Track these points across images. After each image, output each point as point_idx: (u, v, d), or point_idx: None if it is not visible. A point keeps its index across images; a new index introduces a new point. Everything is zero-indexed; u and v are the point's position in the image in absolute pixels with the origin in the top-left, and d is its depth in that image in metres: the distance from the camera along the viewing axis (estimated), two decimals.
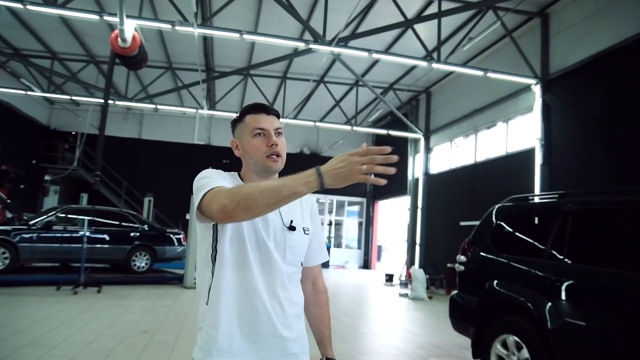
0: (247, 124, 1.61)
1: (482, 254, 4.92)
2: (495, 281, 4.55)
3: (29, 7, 8.45)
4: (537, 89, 9.98)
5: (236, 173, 1.69)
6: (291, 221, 1.60)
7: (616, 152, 8.01)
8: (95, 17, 8.99)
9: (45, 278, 9.69)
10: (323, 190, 1.32)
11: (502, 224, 4.94)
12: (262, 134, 1.58)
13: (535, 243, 4.49)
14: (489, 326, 4.50)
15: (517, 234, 4.88)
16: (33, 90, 14.74)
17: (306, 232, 1.65)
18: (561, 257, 4.05)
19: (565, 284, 3.87)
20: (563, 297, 3.86)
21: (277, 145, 1.57)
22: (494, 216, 5.05)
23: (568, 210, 4.14)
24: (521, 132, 10.88)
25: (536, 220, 4.89)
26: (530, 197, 5.07)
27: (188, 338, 5.88)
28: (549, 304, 3.88)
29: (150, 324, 6.53)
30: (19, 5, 8.47)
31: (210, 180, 1.47)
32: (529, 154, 10.15)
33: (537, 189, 9.62)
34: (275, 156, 1.57)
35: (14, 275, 9.40)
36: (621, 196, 4.23)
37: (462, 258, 5.09)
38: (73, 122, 18.35)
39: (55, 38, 13.05)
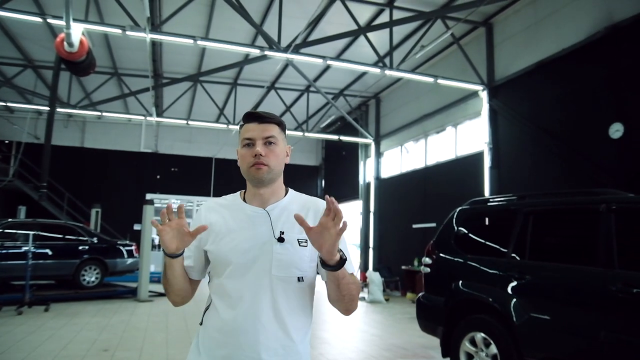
0: (240, 134, 1.60)
1: (446, 255, 5.09)
2: (461, 281, 4.73)
3: None
4: (484, 95, 10.45)
5: (240, 192, 1.68)
6: (281, 232, 1.53)
7: (558, 155, 8.52)
8: (38, 19, 8.55)
9: None
10: None
11: (464, 226, 5.13)
12: (250, 143, 1.56)
13: (498, 243, 4.70)
14: (456, 325, 4.67)
15: (479, 235, 5.09)
16: None
17: (302, 243, 1.53)
18: (523, 255, 4.26)
19: (528, 280, 4.09)
20: (527, 293, 4.08)
21: (261, 155, 1.52)
22: (455, 219, 5.24)
23: (528, 211, 4.38)
24: (470, 136, 11.35)
25: (497, 221, 5.11)
26: (490, 200, 5.29)
27: (151, 353, 5.69)
28: (514, 300, 4.09)
29: (109, 341, 6.25)
30: None
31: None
32: (477, 157, 10.60)
33: (486, 191, 10.06)
34: (259, 165, 1.53)
35: None
36: (574, 197, 4.51)
37: (428, 260, 5.23)
38: (7, 130, 17.22)
39: None
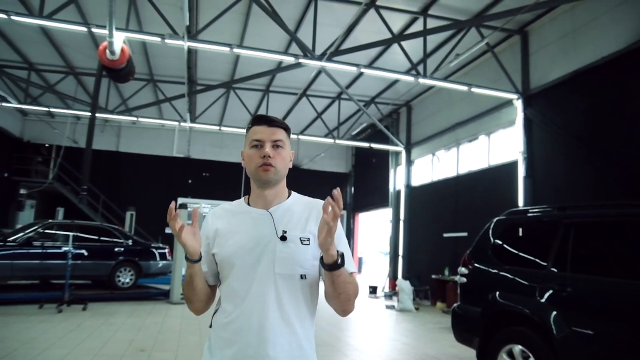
0: (248, 135, 1.65)
1: (482, 266, 5.04)
2: (498, 292, 4.67)
3: (14, 17, 8.27)
4: (518, 104, 10.31)
5: (245, 197, 1.73)
6: (284, 231, 1.57)
7: (595, 165, 8.33)
8: (83, 29, 8.88)
9: (26, 296, 9.39)
10: None
11: (501, 236, 5.07)
12: (259, 145, 1.61)
13: (536, 255, 4.63)
14: (493, 337, 4.61)
15: (516, 246, 5.02)
16: (8, 101, 14.33)
17: (304, 242, 1.57)
18: (564, 268, 4.19)
19: (570, 293, 4.00)
20: (568, 306, 4.00)
21: (269, 156, 1.58)
22: (492, 229, 5.19)
23: (570, 223, 4.30)
24: (503, 145, 11.19)
25: (536, 232, 5.03)
26: (530, 210, 5.21)
27: (187, 354, 5.80)
28: (554, 313, 4.01)
29: (145, 341, 6.39)
30: (2, 16, 8.27)
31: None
32: (511, 166, 10.45)
33: (520, 201, 9.89)
34: (266, 166, 1.58)
35: None
36: (618, 209, 4.41)
37: (464, 270, 5.19)
38: (47, 134, 17.87)
39: (33, 48, 12.77)
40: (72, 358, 5.36)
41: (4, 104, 14.52)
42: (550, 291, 4.12)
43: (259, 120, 1.65)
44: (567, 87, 9.22)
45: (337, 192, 1.41)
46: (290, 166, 1.69)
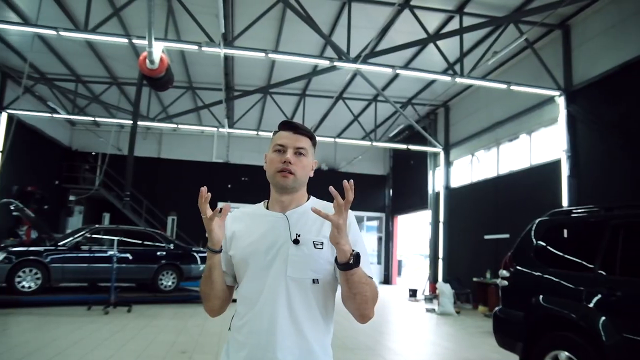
0: (274, 139, 1.67)
1: (525, 268, 4.88)
2: (542, 296, 4.51)
3: (62, 33, 8.68)
4: (561, 101, 9.96)
5: (264, 201, 1.75)
6: (297, 234, 1.57)
7: None
8: (124, 40, 9.20)
9: (75, 298, 9.79)
10: None
11: (544, 238, 4.90)
12: (281, 150, 1.62)
13: (582, 257, 4.45)
14: (537, 342, 4.45)
15: (560, 248, 4.83)
16: (58, 113, 15.01)
17: (317, 245, 1.56)
18: (612, 271, 4.00)
19: (620, 298, 3.82)
20: (618, 311, 3.81)
21: (290, 162, 1.59)
22: (534, 230, 5.03)
23: (618, 223, 4.11)
24: (545, 144, 10.83)
25: (581, 234, 4.83)
26: (573, 211, 5.02)
27: None
28: (603, 318, 3.84)
29: (186, 344, 6.53)
30: (52, 32, 8.69)
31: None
32: (554, 166, 10.09)
33: (564, 201, 9.54)
34: (286, 172, 1.59)
35: (45, 296, 9.49)
36: None
37: (505, 273, 5.04)
38: (93, 142, 18.61)
39: (80, 61, 13.32)
40: (118, 359, 5.53)
41: (54, 115, 15.22)
42: (599, 295, 3.94)
43: (285, 125, 1.68)
44: (614, 81, 8.84)
45: (346, 183, 1.40)
46: (312, 175, 1.70)
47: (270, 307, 1.51)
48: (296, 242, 1.56)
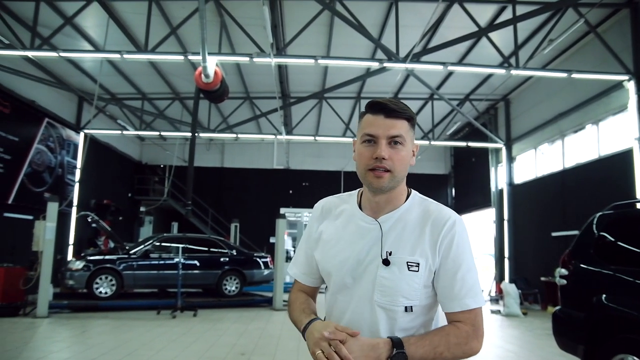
0: (361, 126, 1.36)
1: (585, 266, 4.62)
2: (604, 295, 4.24)
3: (125, 56, 9.33)
4: (630, 85, 9.30)
5: (359, 191, 1.49)
6: (388, 253, 1.32)
7: None
8: (181, 57, 9.69)
9: (146, 303, 10.38)
10: None
11: (606, 232, 4.61)
12: (372, 140, 1.31)
13: None
14: (601, 345, 4.19)
15: (624, 243, 4.53)
16: (127, 130, 16.03)
17: (412, 268, 1.30)
18: None
19: None
20: None
21: (384, 158, 1.29)
22: (595, 225, 4.75)
23: None
24: (615, 133, 10.14)
25: None
26: (638, 203, 4.69)
27: (284, 359, 6.01)
28: None
29: (246, 346, 6.75)
30: (117, 56, 9.36)
31: (294, 257, 1.59)
32: (625, 155, 9.42)
33: (638, 194, 8.88)
34: (380, 171, 1.30)
35: (119, 301, 10.18)
36: None
37: (563, 271, 4.79)
38: (161, 156, 19.70)
39: (144, 80, 14.17)
40: (181, 359, 5.83)
41: (124, 132, 16.27)
42: None
43: (374, 107, 1.34)
44: None
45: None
46: (413, 163, 1.39)
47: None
48: (386, 263, 1.31)
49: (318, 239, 1.48)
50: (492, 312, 11.16)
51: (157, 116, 15.38)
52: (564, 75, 9.87)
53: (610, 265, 4.35)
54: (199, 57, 8.39)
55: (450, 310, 1.34)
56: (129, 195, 19.22)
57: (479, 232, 23.79)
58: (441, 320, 1.43)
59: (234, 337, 7.35)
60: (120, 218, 16.09)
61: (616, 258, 4.43)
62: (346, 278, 1.37)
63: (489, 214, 16.26)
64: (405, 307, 1.31)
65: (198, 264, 11.10)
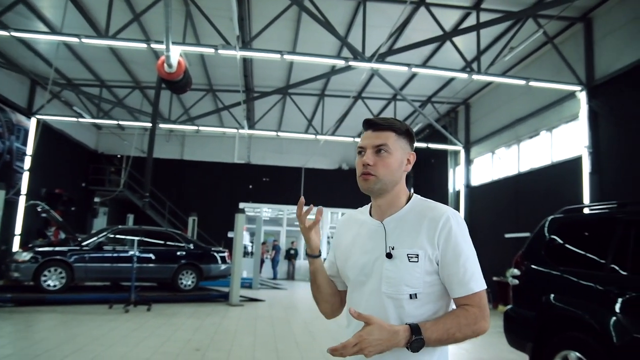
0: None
1: (536, 267, 4.80)
2: (553, 295, 4.42)
3: (84, 40, 8.95)
4: (582, 96, 9.72)
5: (369, 205, 1.67)
6: (391, 247, 1.48)
7: None
8: (143, 45, 9.40)
9: (97, 297, 10.06)
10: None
11: (557, 235, 4.80)
12: (362, 152, 1.54)
13: (594, 255, 4.35)
14: (547, 342, 4.36)
15: (573, 246, 4.73)
16: (84, 117, 15.45)
17: (412, 259, 1.45)
18: (625, 269, 3.90)
19: (632, 297, 3.72)
20: (629, 311, 3.71)
21: (369, 164, 1.50)
22: (547, 228, 4.93)
23: (631, 220, 4.00)
24: (566, 140, 10.59)
25: (593, 231, 4.72)
26: (586, 208, 4.90)
27: (239, 355, 5.95)
28: (614, 318, 3.74)
29: (201, 341, 6.64)
30: (74, 40, 8.97)
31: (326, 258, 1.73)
32: (575, 162, 9.86)
33: (586, 199, 9.31)
34: (365, 175, 1.51)
35: (69, 294, 9.80)
36: None
37: (516, 271, 4.96)
38: (118, 145, 19.12)
39: (104, 67, 13.68)
40: (133, 355, 5.67)
41: (80, 120, 15.67)
42: (610, 294, 3.84)
43: (365, 124, 1.58)
44: (637, 75, 8.57)
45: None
46: (408, 169, 1.58)
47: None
48: (389, 256, 1.48)
49: (337, 246, 1.69)
50: None
51: (116, 105, 14.90)
52: (522, 82, 10.22)
53: (559, 267, 4.53)
54: (163, 46, 8.16)
55: (457, 295, 1.47)
56: (83, 185, 18.56)
57: None
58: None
59: (189, 333, 7.22)
60: (73, 208, 15.47)
61: (565, 260, 4.62)
62: (360, 277, 1.54)
63: None
64: (410, 295, 1.45)
65: (154, 258, 10.83)
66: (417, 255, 1.45)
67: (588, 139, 9.46)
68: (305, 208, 1.57)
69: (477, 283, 1.46)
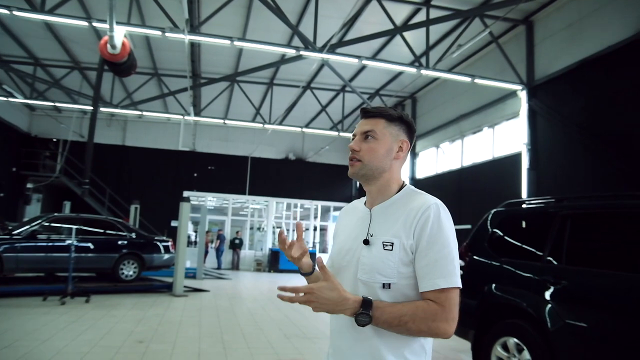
0: None
1: (479, 258, 4.99)
2: (494, 285, 4.62)
3: (15, 12, 8.32)
4: (523, 95, 10.19)
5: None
6: (370, 234, 1.47)
7: (600, 156, 8.21)
8: (84, 23, 8.91)
9: (30, 288, 9.48)
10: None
11: (498, 228, 5.02)
12: (353, 139, 1.56)
13: (533, 247, 4.58)
14: (488, 329, 4.57)
15: (513, 238, 4.96)
16: (15, 97, 14.45)
17: (386, 247, 1.41)
18: (560, 260, 4.13)
19: (565, 286, 3.95)
20: (563, 299, 3.94)
21: (354, 150, 1.51)
22: (489, 221, 5.14)
23: (566, 214, 4.24)
24: (507, 137, 11.09)
25: (532, 224, 4.97)
26: (526, 202, 5.15)
27: (184, 347, 5.82)
28: (549, 306, 3.96)
29: (144, 333, 6.43)
30: (4, 11, 8.32)
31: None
32: (515, 158, 10.34)
33: (524, 193, 9.80)
34: (352, 160, 1.52)
35: None
36: (615, 200, 4.33)
37: (460, 262, 5.13)
38: (54, 128, 18.04)
39: (39, 44, 12.85)
40: (71, 349, 5.40)
41: (11, 100, 14.65)
42: (546, 284, 4.06)
43: (360, 113, 1.59)
44: (572, 78, 9.09)
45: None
46: (399, 157, 1.55)
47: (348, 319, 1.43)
48: (366, 242, 1.46)
49: (334, 236, 1.69)
50: None
51: (52, 85, 14.07)
52: (468, 79, 10.56)
53: (501, 258, 4.74)
54: (106, 26, 7.74)
55: (422, 289, 1.39)
56: (14, 169, 17.38)
57: None
58: None
59: (131, 324, 6.97)
60: (2, 194, 14.50)
61: (505, 251, 4.83)
62: (342, 262, 1.53)
63: None
64: (383, 284, 1.41)
65: (92, 247, 10.34)
66: (392, 243, 1.41)
67: (527, 136, 9.94)
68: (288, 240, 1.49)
69: (447, 280, 1.38)
